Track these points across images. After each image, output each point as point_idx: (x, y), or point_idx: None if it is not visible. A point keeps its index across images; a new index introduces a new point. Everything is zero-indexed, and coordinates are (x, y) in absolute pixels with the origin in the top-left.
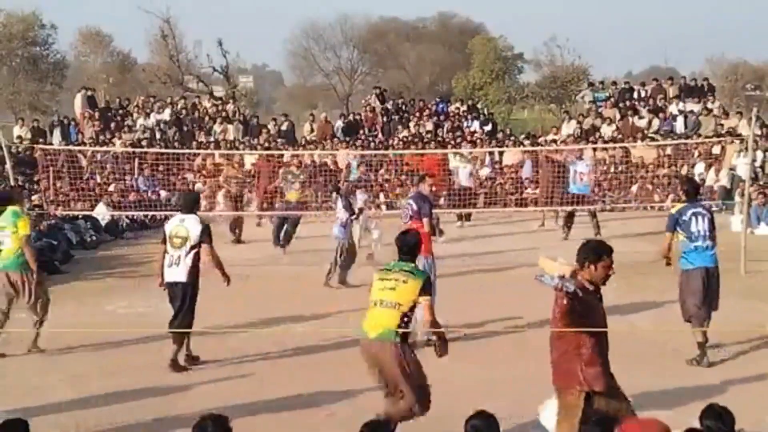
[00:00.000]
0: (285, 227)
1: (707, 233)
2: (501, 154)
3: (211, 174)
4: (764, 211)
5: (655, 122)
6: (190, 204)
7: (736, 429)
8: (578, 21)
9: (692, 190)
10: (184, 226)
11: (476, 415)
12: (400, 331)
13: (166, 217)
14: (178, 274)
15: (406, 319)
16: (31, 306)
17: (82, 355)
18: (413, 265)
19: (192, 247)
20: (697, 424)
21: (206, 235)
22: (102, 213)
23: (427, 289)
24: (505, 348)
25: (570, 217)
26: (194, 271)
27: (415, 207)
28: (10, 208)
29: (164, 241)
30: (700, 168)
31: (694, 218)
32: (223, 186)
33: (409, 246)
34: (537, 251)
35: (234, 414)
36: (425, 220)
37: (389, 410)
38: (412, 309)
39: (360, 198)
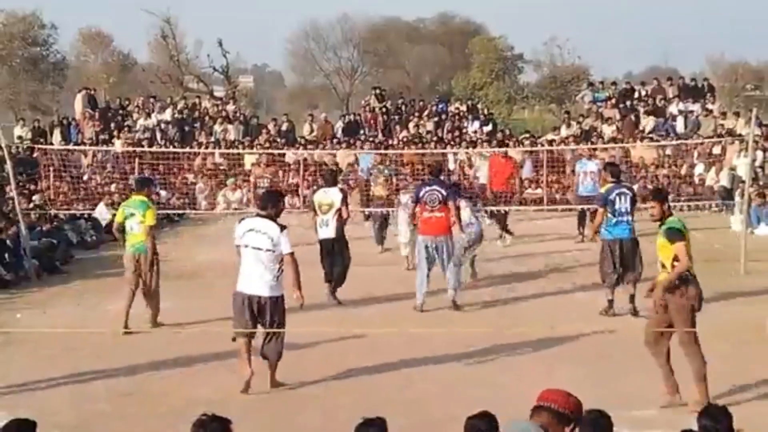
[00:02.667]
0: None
1: (628, 210)
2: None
3: (211, 174)
4: (764, 212)
5: (651, 122)
6: (333, 179)
7: (734, 429)
8: (578, 21)
9: (615, 173)
10: (328, 195)
11: (477, 416)
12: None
13: (167, 217)
14: (329, 232)
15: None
16: (146, 291)
17: (82, 355)
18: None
19: (337, 211)
20: (695, 424)
21: (345, 200)
22: (102, 213)
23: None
24: (514, 351)
25: (582, 218)
26: (340, 227)
27: (444, 193)
28: (140, 197)
29: (314, 210)
30: (700, 168)
31: (618, 197)
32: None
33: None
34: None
35: (232, 412)
36: (450, 203)
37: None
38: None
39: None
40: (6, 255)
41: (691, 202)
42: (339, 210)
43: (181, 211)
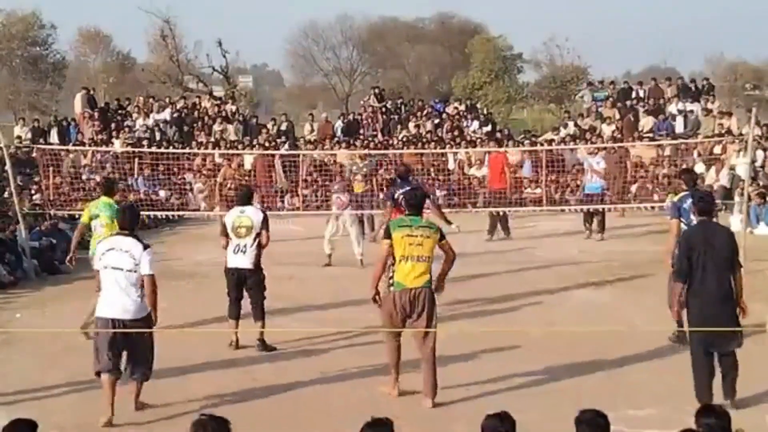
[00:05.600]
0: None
1: None
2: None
3: (211, 174)
4: (763, 211)
5: (650, 121)
6: (247, 197)
7: (734, 429)
8: (577, 21)
9: (690, 180)
10: (246, 216)
11: (494, 415)
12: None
13: (167, 217)
14: (244, 261)
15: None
16: None
17: (82, 355)
18: (424, 219)
19: (256, 235)
20: (692, 423)
21: (266, 222)
22: None
23: (443, 234)
24: (513, 350)
25: (590, 216)
26: (258, 256)
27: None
28: (106, 200)
29: (226, 234)
30: (700, 168)
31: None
32: (223, 186)
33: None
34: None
35: (231, 411)
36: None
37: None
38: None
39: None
40: (6, 255)
41: None
42: (259, 234)
43: (180, 212)
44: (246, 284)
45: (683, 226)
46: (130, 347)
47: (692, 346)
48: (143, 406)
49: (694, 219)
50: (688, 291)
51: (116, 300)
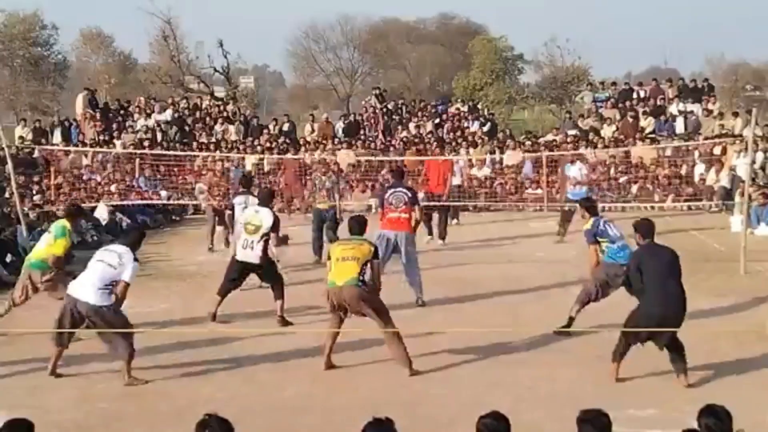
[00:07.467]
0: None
1: (622, 234)
2: (501, 154)
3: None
4: (764, 212)
5: (651, 121)
6: (267, 199)
7: (735, 429)
8: (578, 22)
9: (592, 208)
10: (258, 216)
11: (489, 415)
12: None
13: (167, 218)
14: (252, 256)
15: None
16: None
17: (82, 355)
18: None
19: (263, 235)
20: (695, 424)
21: (276, 226)
22: (102, 213)
23: (376, 254)
24: (514, 351)
25: (566, 219)
26: (264, 253)
27: (410, 195)
28: (62, 223)
29: (232, 225)
30: (700, 168)
31: (606, 226)
32: (210, 193)
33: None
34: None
35: (233, 411)
36: (417, 207)
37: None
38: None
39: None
40: (6, 255)
41: (691, 203)
42: (266, 234)
43: (181, 207)
44: (256, 274)
45: (606, 243)
46: (96, 328)
47: (623, 335)
48: (133, 382)
49: (610, 231)
50: (643, 297)
51: (84, 284)
